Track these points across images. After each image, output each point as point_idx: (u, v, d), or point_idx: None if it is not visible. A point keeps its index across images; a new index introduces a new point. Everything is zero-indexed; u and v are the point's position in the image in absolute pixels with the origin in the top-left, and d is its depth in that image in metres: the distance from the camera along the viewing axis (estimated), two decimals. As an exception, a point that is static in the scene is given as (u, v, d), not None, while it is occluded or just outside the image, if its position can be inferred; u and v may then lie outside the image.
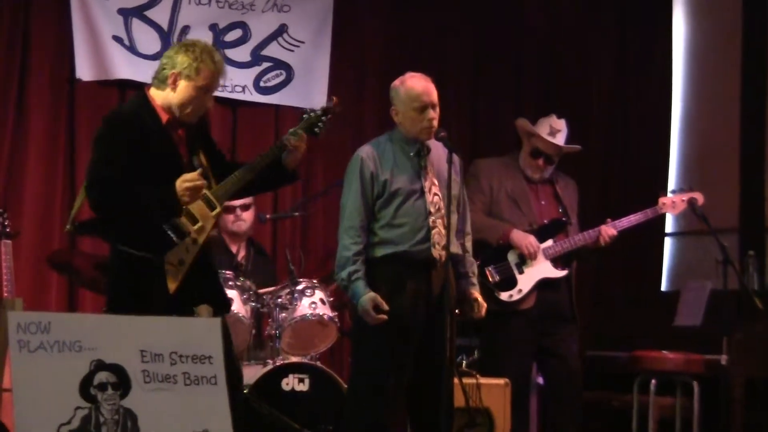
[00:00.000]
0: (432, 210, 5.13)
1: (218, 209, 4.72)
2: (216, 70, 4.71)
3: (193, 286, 4.65)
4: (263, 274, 6.64)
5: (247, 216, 6.65)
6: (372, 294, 5.01)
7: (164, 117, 4.72)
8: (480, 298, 5.27)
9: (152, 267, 4.59)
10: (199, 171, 4.63)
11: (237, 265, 6.49)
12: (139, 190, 4.60)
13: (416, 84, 5.16)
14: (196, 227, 4.68)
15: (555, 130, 6.15)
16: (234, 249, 6.64)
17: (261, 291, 6.27)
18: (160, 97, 4.73)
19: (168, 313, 4.38)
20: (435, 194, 5.16)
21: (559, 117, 6.21)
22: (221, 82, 4.82)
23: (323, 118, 4.96)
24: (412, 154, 5.17)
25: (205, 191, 4.67)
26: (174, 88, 4.69)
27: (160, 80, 4.73)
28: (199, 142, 4.85)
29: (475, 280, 5.33)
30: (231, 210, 6.56)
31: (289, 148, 4.85)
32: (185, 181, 4.58)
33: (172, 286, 4.59)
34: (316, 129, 4.96)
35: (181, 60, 4.68)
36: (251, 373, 5.93)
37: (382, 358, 5.05)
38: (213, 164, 4.83)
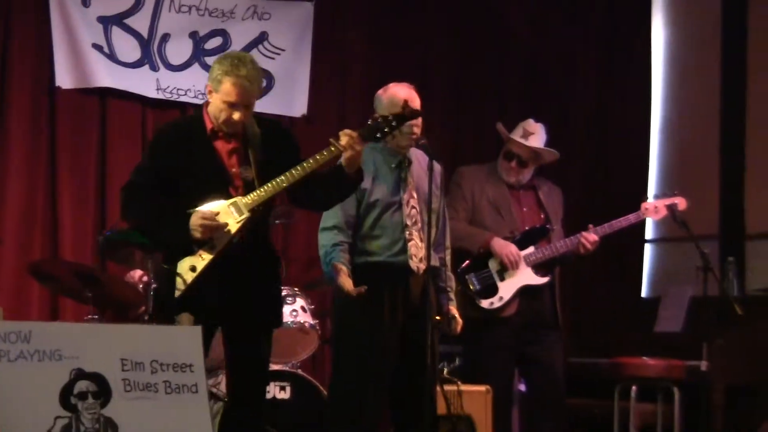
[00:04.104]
0: (408, 223, 5.13)
1: (245, 215, 4.51)
2: (237, 85, 4.46)
3: (217, 293, 4.50)
4: None
5: None
6: (343, 267, 5.02)
7: (209, 126, 4.61)
8: (457, 315, 5.28)
9: (168, 273, 4.54)
10: (216, 210, 4.49)
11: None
12: (161, 207, 4.57)
13: (399, 91, 5.16)
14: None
15: (528, 133, 6.12)
16: None
17: None
18: (209, 106, 4.63)
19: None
20: (413, 207, 5.16)
21: (537, 121, 6.20)
22: (250, 97, 4.54)
23: (393, 123, 4.61)
24: (393, 165, 5.17)
25: (236, 198, 4.53)
26: (210, 99, 4.60)
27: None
28: (262, 152, 4.62)
29: (452, 295, 5.33)
30: None
31: (339, 150, 4.52)
32: (203, 217, 4.46)
33: (178, 292, 4.48)
34: (378, 134, 4.60)
35: (213, 71, 4.55)
36: (232, 381, 5.91)
37: (362, 365, 5.05)
38: (276, 174, 4.54)
